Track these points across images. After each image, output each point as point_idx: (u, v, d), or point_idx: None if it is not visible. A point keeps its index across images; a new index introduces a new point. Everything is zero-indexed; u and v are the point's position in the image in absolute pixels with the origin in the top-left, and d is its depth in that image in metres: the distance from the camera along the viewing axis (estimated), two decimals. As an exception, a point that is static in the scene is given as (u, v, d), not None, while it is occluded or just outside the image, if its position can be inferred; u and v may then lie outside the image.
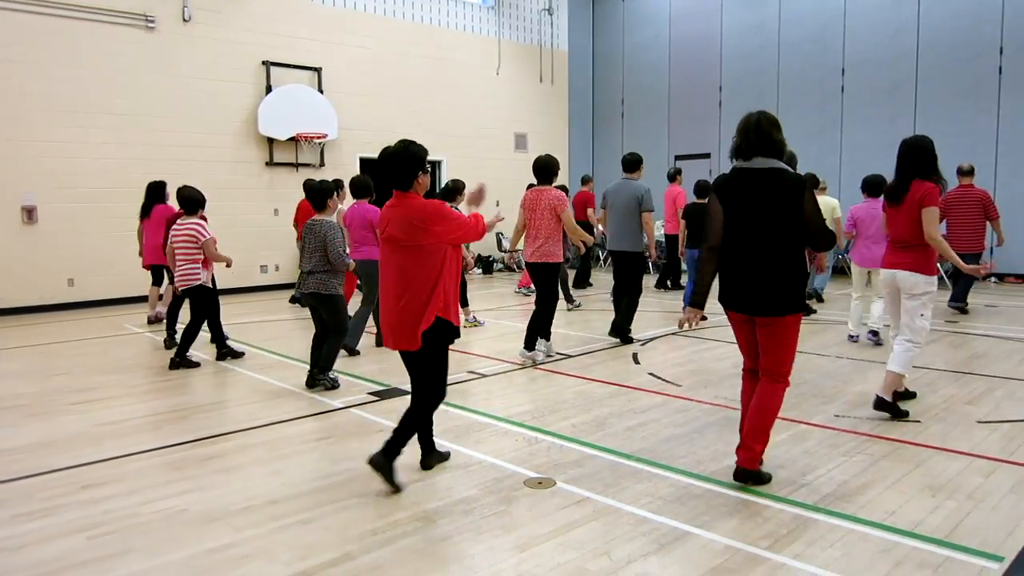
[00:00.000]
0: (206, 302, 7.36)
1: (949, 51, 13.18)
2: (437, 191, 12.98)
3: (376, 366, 7.00)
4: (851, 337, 7.85)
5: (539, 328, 7.16)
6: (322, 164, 14.16)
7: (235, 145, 13.11)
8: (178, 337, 7.55)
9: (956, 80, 13.12)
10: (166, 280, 9.52)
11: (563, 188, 10.72)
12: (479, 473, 4.25)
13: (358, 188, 7.66)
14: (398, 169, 4.03)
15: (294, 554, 3.30)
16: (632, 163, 8.13)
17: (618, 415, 5.34)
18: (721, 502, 3.77)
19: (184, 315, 7.85)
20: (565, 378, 6.55)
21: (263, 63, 13.33)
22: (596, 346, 7.86)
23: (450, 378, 6.48)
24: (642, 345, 7.91)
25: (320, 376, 6.26)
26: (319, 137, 13.77)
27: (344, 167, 14.35)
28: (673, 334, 8.50)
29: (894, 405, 5.15)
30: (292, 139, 13.54)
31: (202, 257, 7.27)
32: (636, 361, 7.18)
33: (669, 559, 3.18)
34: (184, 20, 12.38)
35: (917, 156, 5.07)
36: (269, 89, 13.35)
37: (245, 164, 13.23)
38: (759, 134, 3.91)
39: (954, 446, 4.54)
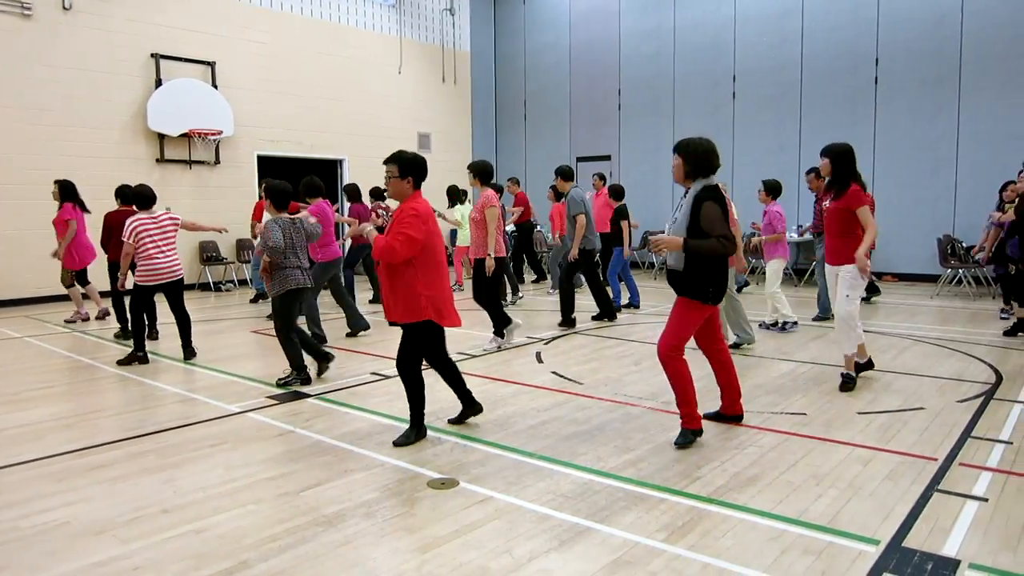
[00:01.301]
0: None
1: (830, 61, 13.96)
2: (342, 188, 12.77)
3: (276, 368, 6.81)
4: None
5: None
6: (217, 162, 13.70)
7: (122, 141, 12.52)
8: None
9: (837, 88, 13.91)
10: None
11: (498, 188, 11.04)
12: (382, 475, 4.21)
13: (314, 189, 7.96)
14: (425, 172, 4.75)
15: (186, 564, 3.18)
16: (573, 173, 9.36)
17: (521, 414, 5.40)
18: (620, 497, 3.86)
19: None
20: (469, 378, 6.51)
21: (152, 55, 12.77)
22: (501, 345, 7.90)
23: (352, 380, 6.45)
24: (545, 344, 8.01)
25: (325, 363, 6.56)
26: (214, 134, 13.31)
27: (241, 165, 13.94)
28: (576, 333, 8.66)
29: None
30: (185, 135, 13.03)
31: None
32: (539, 360, 7.26)
33: (570, 555, 3.24)
34: (64, 8, 11.73)
35: (852, 161, 5.75)
36: (159, 83, 12.80)
37: (134, 161, 12.63)
38: (715, 158, 4.61)
39: (836, 436, 4.80)
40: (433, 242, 4.65)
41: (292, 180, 8.57)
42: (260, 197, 11.33)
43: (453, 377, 5.07)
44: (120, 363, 7.15)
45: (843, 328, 5.84)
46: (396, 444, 4.69)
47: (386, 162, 4.72)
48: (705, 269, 4.53)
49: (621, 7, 16.68)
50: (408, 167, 4.66)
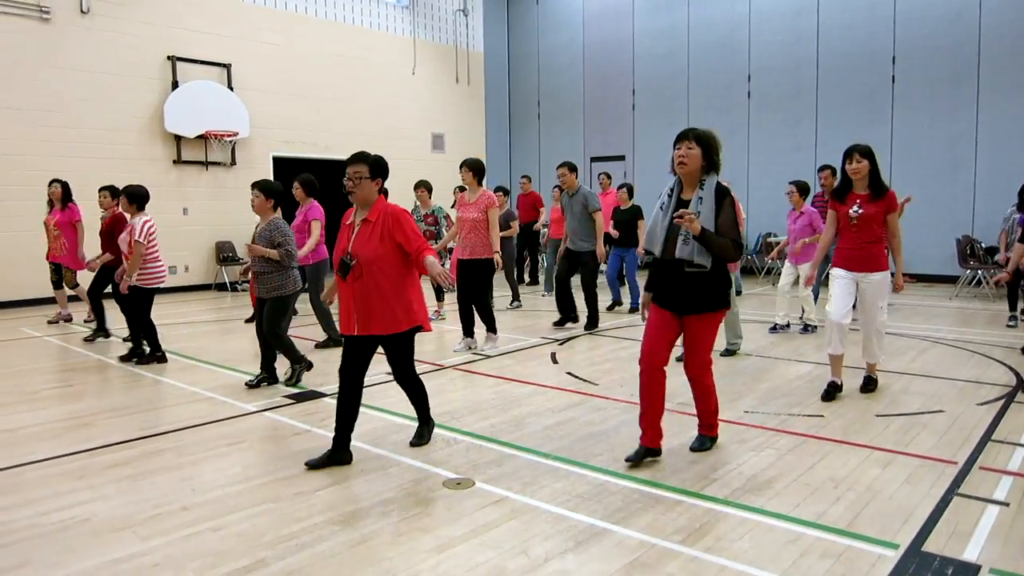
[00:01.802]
0: None
1: (846, 60, 13.87)
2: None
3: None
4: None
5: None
6: (233, 163, 13.78)
7: (140, 143, 12.62)
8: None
9: (853, 88, 13.81)
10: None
11: (506, 191, 10.99)
12: (397, 475, 4.22)
13: (313, 186, 7.80)
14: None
15: (204, 562, 3.19)
16: None
17: (537, 414, 5.39)
18: (637, 498, 3.84)
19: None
20: (484, 378, 6.56)
21: (168, 58, 12.87)
22: (515, 346, 7.91)
23: (368, 379, 6.44)
24: (560, 345, 8.00)
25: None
26: (229, 135, 13.39)
27: (257, 167, 14.01)
28: (591, 334, 8.64)
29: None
30: (201, 137, 13.12)
31: None
32: (554, 361, 7.25)
33: (586, 556, 3.23)
34: (82, 12, 11.84)
35: None
36: (175, 85, 12.90)
37: (151, 162, 12.73)
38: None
39: (854, 439, 4.76)
40: None
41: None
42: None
43: (356, 403, 4.45)
44: (139, 363, 7.20)
45: (878, 338, 5.73)
46: (413, 445, 4.69)
47: (352, 162, 4.34)
48: (724, 270, 4.28)
49: (635, 6, 16.64)
50: (378, 168, 4.38)
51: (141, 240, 7.02)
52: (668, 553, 3.24)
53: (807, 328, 8.50)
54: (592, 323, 8.94)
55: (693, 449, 4.52)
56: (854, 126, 13.45)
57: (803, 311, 8.54)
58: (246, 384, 6.29)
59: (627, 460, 4.31)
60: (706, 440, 4.58)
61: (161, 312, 10.61)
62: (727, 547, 3.28)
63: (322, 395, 5.97)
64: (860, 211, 5.51)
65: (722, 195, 4.18)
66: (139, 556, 3.27)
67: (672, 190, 4.34)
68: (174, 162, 13.06)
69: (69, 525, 3.60)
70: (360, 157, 4.39)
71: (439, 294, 9.87)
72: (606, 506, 3.74)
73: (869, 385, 5.90)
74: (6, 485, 4.14)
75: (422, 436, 4.75)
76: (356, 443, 4.74)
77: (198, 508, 3.78)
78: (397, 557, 3.24)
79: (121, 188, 7.48)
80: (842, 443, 4.69)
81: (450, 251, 9.18)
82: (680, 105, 16.02)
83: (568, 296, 9.02)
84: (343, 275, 4.29)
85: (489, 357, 7.40)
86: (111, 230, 8.09)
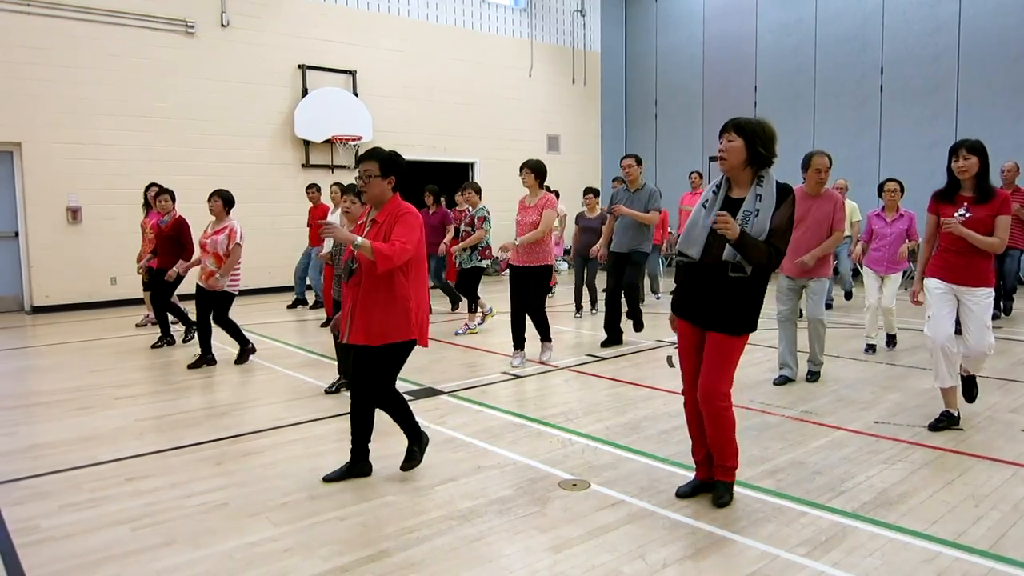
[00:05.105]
0: None
1: (992, 50, 12.90)
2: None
3: (409, 365, 7.01)
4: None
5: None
6: (357, 166, 14.27)
7: (272, 147, 13.29)
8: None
9: (1000, 80, 12.83)
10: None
11: (594, 191, 10.82)
12: (513, 474, 4.26)
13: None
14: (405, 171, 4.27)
15: (331, 549, 3.34)
16: None
17: (653, 418, 5.32)
18: (758, 508, 3.73)
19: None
20: (599, 380, 6.54)
21: (299, 67, 13.49)
22: (630, 349, 7.84)
23: (485, 379, 6.56)
24: (675, 348, 7.85)
25: None
26: (354, 139, 13.90)
27: (379, 168, 14.47)
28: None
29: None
30: (327, 141, 13.69)
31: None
32: (670, 364, 7.11)
33: (705, 564, 3.17)
34: (222, 25, 12.58)
35: None
36: (305, 92, 13.51)
37: (282, 166, 13.40)
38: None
39: (998, 455, 4.45)
40: (421, 249, 4.13)
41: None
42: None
43: (369, 414, 4.24)
44: (237, 362, 7.38)
45: (981, 359, 5.04)
46: (404, 469, 4.24)
47: (363, 159, 4.15)
48: (761, 287, 3.72)
49: (759, 1, 16.11)
50: (390, 165, 4.10)
51: (241, 243, 7.26)
52: (792, 566, 3.13)
53: (891, 341, 7.69)
54: (638, 325, 8.21)
55: (715, 504, 3.75)
56: (999, 121, 12.53)
57: (887, 323, 7.61)
58: (325, 391, 6.27)
59: (677, 494, 3.88)
60: (722, 489, 3.78)
61: (284, 308, 11.16)
62: (856, 563, 3.14)
63: (440, 392, 6.11)
64: (968, 215, 4.79)
65: (785, 194, 3.66)
66: (272, 541, 3.45)
67: (718, 187, 3.79)
68: (302, 166, 13.68)
69: (209, 508, 3.84)
70: (371, 154, 4.15)
71: (471, 305, 9.16)
72: (726, 514, 3.65)
73: (972, 391, 5.25)
74: (155, 468, 4.47)
75: (412, 457, 4.27)
76: (472, 440, 4.84)
77: (324, 498, 3.95)
78: (514, 555, 3.28)
79: (217, 190, 7.46)
80: (984, 459, 4.38)
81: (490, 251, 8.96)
82: (806, 101, 15.39)
83: (617, 315, 8.07)
84: (346, 278, 4.09)
85: (602, 359, 7.36)
86: (175, 234, 8.07)
